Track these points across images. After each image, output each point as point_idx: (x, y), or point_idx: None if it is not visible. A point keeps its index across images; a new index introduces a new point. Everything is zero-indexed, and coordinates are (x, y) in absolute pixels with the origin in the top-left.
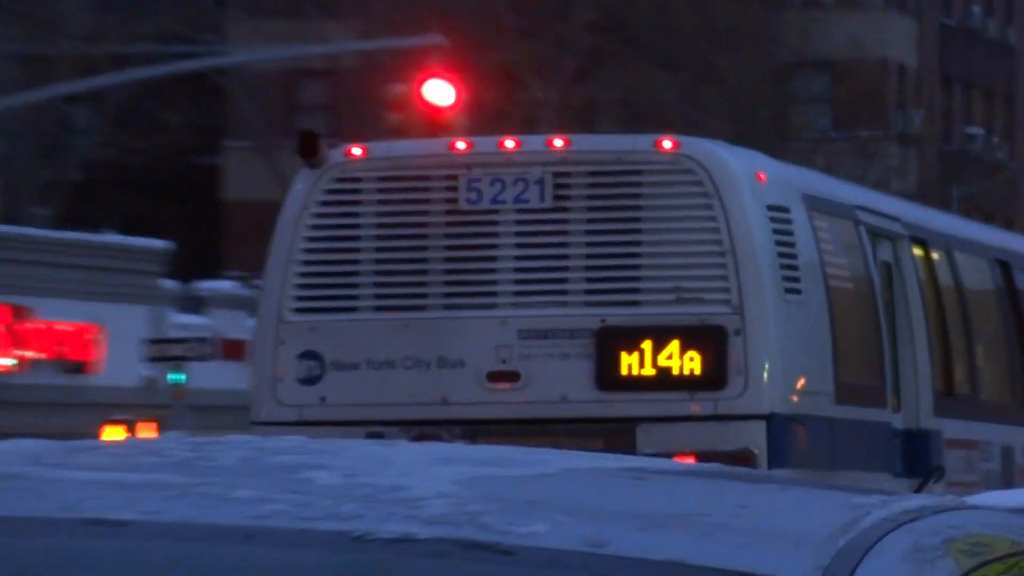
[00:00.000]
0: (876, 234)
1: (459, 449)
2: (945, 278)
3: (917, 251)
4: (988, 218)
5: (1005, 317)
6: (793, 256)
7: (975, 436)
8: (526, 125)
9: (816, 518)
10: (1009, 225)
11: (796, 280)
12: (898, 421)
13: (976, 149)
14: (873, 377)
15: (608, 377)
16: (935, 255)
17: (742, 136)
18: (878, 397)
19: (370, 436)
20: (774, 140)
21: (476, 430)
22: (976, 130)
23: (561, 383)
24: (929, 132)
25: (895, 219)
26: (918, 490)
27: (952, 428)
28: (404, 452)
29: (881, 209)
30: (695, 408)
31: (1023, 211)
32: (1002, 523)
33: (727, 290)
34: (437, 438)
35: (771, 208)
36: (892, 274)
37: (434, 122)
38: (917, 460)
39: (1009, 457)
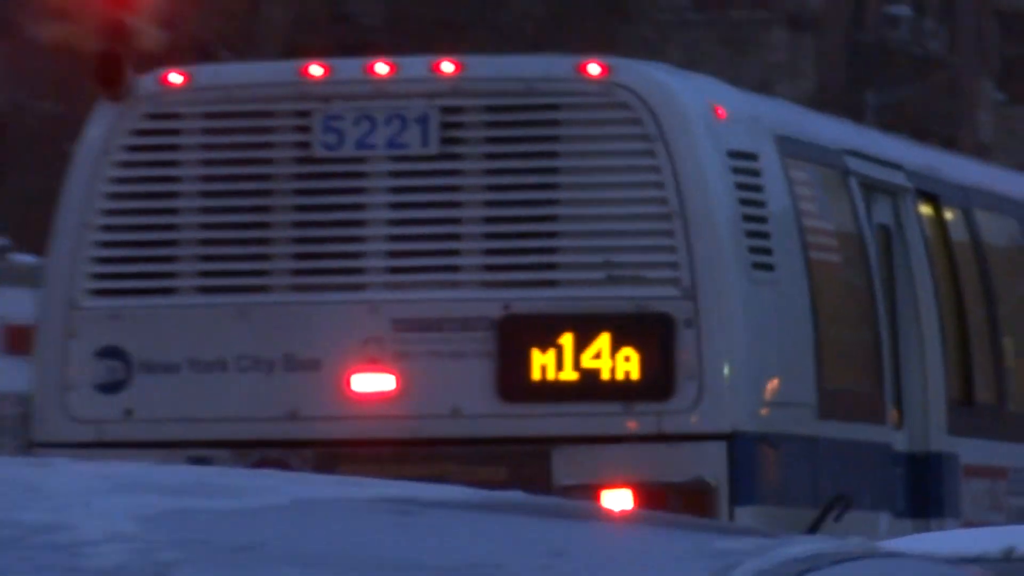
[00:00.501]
0: (871, 188)
1: (144, 471)
2: (963, 247)
3: (925, 210)
4: (919, 136)
5: None
6: (763, 220)
7: (1003, 461)
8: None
9: (663, 572)
10: (949, 145)
11: (767, 252)
12: (901, 441)
13: (901, 38)
14: (868, 382)
15: (514, 383)
16: (950, 215)
17: (561, 18)
18: (875, 410)
19: (193, 463)
20: (607, 22)
21: (335, 454)
22: (901, 10)
23: (451, 391)
24: (833, 13)
25: (896, 167)
26: (813, 527)
27: (972, 450)
28: (63, 476)
29: (878, 153)
30: (632, 425)
31: (969, 126)
32: (923, 573)
33: (675, 266)
34: (283, 464)
35: (733, 155)
36: (892, 242)
37: (110, 17)
38: (926, 494)
39: None
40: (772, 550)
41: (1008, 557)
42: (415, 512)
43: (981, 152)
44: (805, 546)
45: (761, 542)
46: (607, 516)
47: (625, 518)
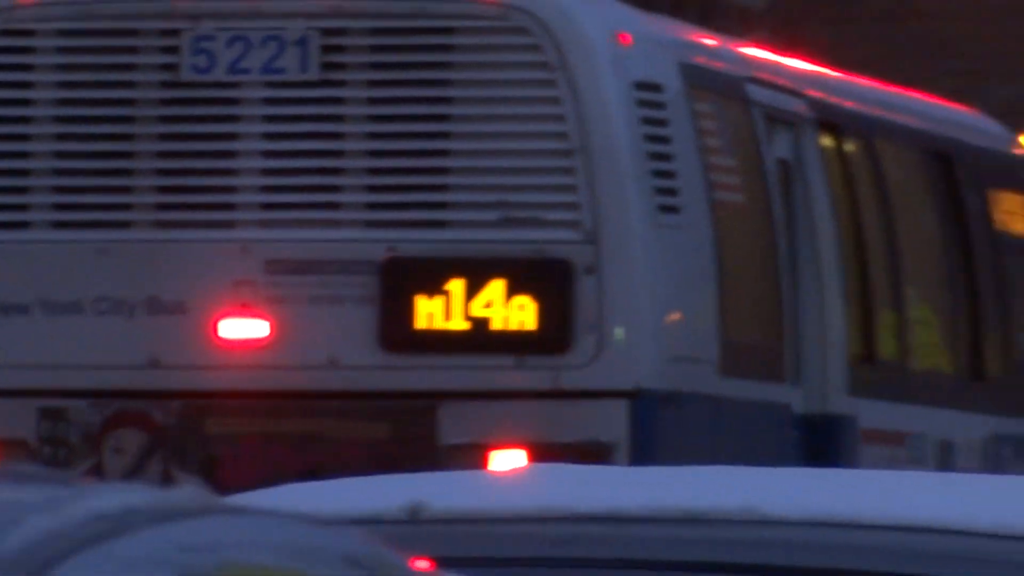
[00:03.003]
0: (772, 119)
1: None
2: (867, 184)
3: (827, 143)
4: (674, 4)
5: (946, 242)
6: (669, 157)
7: (904, 425)
8: None
9: None
10: (708, 13)
11: (673, 193)
12: (799, 402)
13: None
14: (768, 336)
15: (398, 332)
16: (853, 149)
17: None
18: (774, 367)
19: (46, 414)
20: None
21: (201, 407)
22: None
23: (329, 340)
24: None
25: (797, 94)
26: (162, 481)
27: (873, 413)
28: None
29: (778, 80)
30: (526, 380)
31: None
32: (290, 540)
33: (575, 207)
34: (144, 417)
35: (640, 86)
36: (792, 179)
37: None
38: (822, 460)
39: (948, 458)
40: (67, 504)
41: (414, 516)
42: None
43: (746, 20)
44: (116, 498)
45: (52, 492)
46: None
47: None
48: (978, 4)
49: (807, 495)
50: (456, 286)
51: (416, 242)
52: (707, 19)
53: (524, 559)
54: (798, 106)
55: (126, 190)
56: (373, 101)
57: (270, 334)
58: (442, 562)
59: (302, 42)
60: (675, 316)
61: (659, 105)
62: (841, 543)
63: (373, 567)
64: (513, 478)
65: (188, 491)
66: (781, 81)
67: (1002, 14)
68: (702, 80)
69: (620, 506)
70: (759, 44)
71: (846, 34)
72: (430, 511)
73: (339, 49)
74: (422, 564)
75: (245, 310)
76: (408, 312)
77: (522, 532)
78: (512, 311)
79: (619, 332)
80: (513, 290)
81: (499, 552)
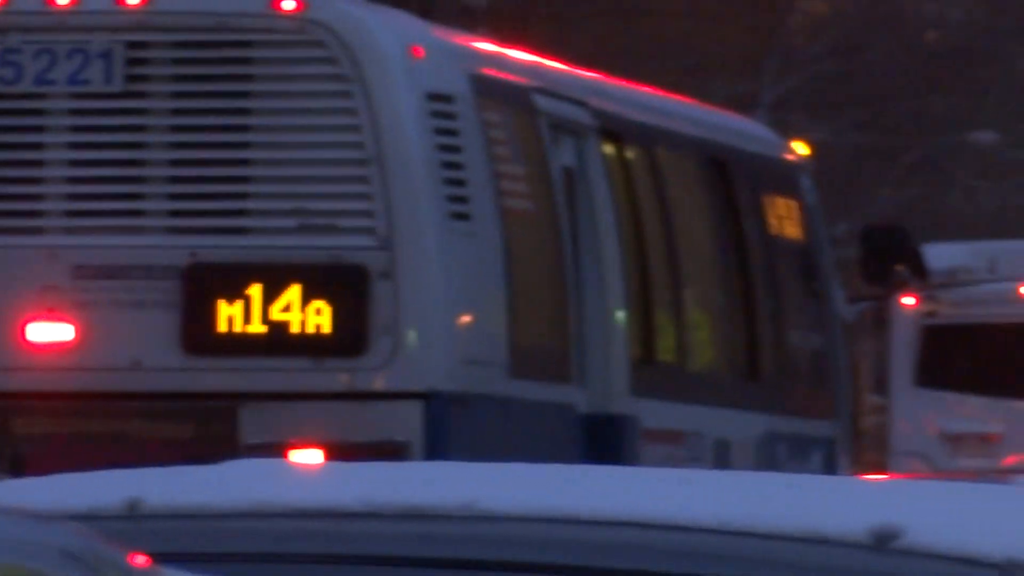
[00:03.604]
0: (558, 128)
1: None
2: (647, 191)
3: (609, 151)
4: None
5: (723, 246)
6: (460, 166)
7: (683, 425)
8: None
9: None
10: (428, 9)
11: (464, 201)
12: (583, 402)
13: None
14: (554, 339)
15: (199, 336)
16: (634, 157)
17: None
18: (560, 368)
19: None
20: None
21: (10, 408)
22: None
23: (133, 343)
24: None
25: (581, 104)
26: None
27: (653, 413)
28: None
29: (563, 91)
30: (324, 381)
31: None
32: (7, 535)
33: (371, 215)
34: None
35: (432, 97)
36: (577, 187)
37: None
38: (605, 458)
39: (725, 456)
40: None
41: (131, 511)
42: None
43: (468, 17)
44: None
45: None
46: None
47: None
48: (698, 4)
49: (528, 491)
50: (256, 291)
51: (217, 248)
52: (428, 15)
53: (241, 554)
54: (582, 115)
55: None
56: (175, 112)
57: (76, 337)
58: (160, 557)
59: (106, 55)
60: (467, 320)
61: (450, 115)
62: (559, 539)
63: (91, 561)
64: (232, 473)
65: None
66: (566, 91)
67: (721, 14)
68: (491, 91)
69: (338, 501)
70: (484, 40)
71: (568, 32)
72: (148, 506)
73: (142, 62)
74: (140, 559)
75: (52, 314)
76: (210, 316)
77: (239, 527)
78: (310, 315)
79: (413, 336)
80: (311, 295)
81: (216, 547)
